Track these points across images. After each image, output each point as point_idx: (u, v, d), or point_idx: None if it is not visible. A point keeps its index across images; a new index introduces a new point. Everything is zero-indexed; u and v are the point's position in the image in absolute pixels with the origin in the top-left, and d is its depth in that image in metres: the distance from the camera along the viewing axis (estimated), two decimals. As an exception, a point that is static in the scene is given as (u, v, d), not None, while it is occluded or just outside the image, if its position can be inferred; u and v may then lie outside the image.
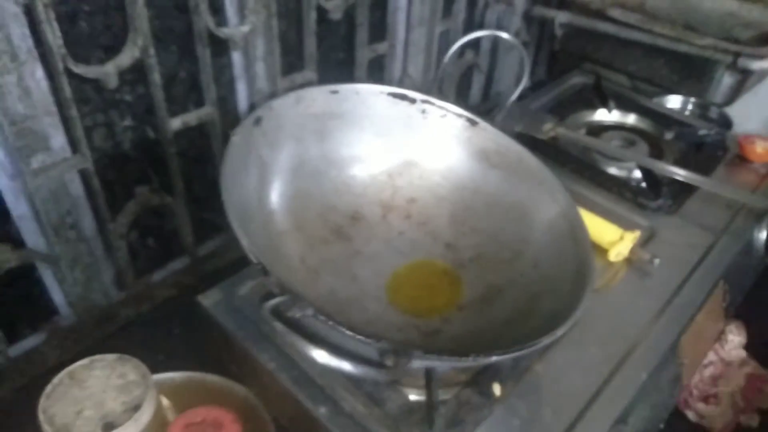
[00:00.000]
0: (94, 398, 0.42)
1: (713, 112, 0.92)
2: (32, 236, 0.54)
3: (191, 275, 0.70)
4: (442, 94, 0.82)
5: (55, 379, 0.43)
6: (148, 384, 0.44)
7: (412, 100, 0.58)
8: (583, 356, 0.52)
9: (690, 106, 0.93)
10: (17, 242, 0.53)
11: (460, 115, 0.58)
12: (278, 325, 0.31)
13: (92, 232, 0.60)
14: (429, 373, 0.45)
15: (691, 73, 0.84)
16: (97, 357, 0.45)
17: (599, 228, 0.61)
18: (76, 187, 0.56)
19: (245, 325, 0.51)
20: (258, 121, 0.49)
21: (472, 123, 0.58)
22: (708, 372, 0.61)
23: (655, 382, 0.52)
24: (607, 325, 0.54)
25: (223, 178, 0.42)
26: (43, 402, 0.42)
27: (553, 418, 0.47)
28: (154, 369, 0.46)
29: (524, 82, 0.67)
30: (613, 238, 0.60)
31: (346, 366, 0.33)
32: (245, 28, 0.60)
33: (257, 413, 0.49)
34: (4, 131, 0.48)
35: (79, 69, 0.51)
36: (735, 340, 0.63)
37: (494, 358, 0.37)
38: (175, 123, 0.60)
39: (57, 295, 0.60)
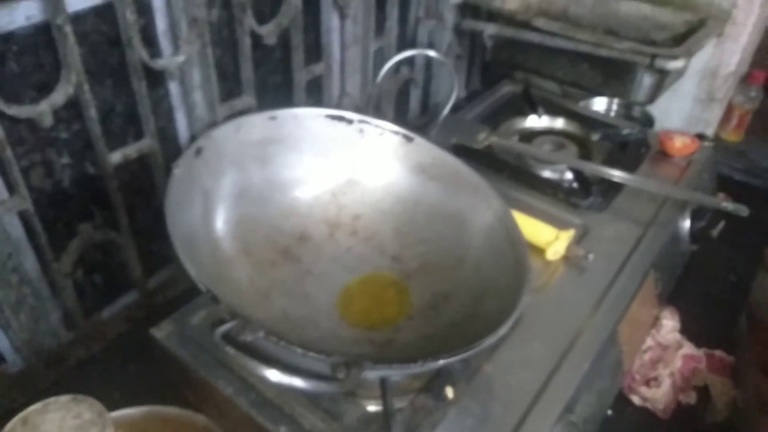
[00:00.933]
0: None
1: (636, 112, 0.98)
2: None
3: (142, 309, 0.69)
4: (379, 112, 0.84)
5: (8, 427, 0.42)
6: (104, 422, 0.43)
7: (350, 121, 0.60)
8: (528, 352, 0.54)
9: (615, 107, 0.99)
10: None
11: (396, 132, 0.61)
12: (230, 350, 0.32)
13: (36, 273, 0.59)
14: (383, 383, 0.47)
15: (614, 75, 0.89)
16: (51, 400, 0.44)
17: (535, 229, 0.64)
18: (16, 230, 0.56)
19: (199, 353, 0.52)
20: (199, 152, 0.50)
21: (408, 139, 0.61)
22: (647, 356, 0.65)
23: (597, 371, 0.56)
24: (548, 321, 0.57)
25: (167, 210, 0.43)
26: None
27: (504, 414, 0.49)
28: (112, 406, 0.45)
29: (454, 97, 0.70)
30: (549, 238, 0.64)
31: (299, 383, 0.34)
32: (180, 59, 0.61)
33: None
34: None
35: (12, 110, 0.51)
36: (669, 324, 0.68)
37: (441, 362, 0.39)
38: (115, 157, 0.60)
39: (2, 342, 0.59)
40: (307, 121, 0.59)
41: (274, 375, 0.32)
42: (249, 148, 0.56)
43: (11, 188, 0.53)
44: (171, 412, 0.52)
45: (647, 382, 0.64)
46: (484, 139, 0.77)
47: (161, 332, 0.54)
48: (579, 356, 0.54)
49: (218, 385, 0.50)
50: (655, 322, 0.68)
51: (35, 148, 0.56)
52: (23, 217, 0.55)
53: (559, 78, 0.97)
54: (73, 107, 0.56)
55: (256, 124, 0.56)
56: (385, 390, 0.47)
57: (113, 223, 0.63)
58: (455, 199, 0.59)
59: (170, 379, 0.56)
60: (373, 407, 0.48)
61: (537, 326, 0.57)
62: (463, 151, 0.79)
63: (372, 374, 0.37)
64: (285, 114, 0.57)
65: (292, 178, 0.59)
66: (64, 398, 0.45)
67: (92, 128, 0.57)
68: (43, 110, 0.54)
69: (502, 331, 0.42)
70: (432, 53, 0.57)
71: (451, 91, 0.64)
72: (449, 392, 0.50)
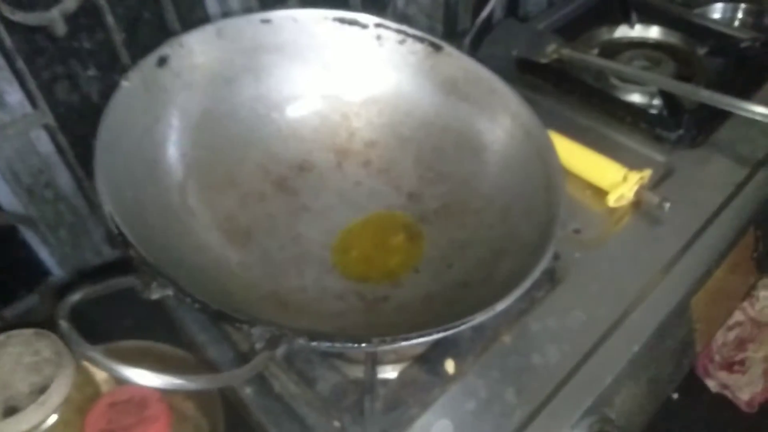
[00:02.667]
0: (1, 379, 0.39)
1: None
2: (6, 198, 0.52)
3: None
4: (455, 22, 0.72)
5: (-32, 357, 0.41)
6: (61, 362, 0.40)
7: (364, 25, 0.49)
8: (564, 323, 0.44)
9: (740, 14, 0.78)
10: None
11: (421, 39, 0.49)
12: (68, 331, 0.25)
13: (71, 190, 0.57)
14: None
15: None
16: (15, 332, 0.43)
17: (599, 168, 0.51)
18: (45, 145, 0.53)
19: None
20: (163, 61, 0.42)
21: (436, 48, 0.49)
22: (733, 334, 0.52)
23: (654, 354, 0.44)
24: (599, 284, 0.46)
25: (101, 133, 0.36)
26: None
27: (516, 400, 0.40)
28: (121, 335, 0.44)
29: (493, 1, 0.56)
30: (614, 179, 0.50)
31: (173, 381, 0.26)
32: None
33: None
34: None
35: (17, 16, 0.46)
36: (769, 296, 0.53)
37: (404, 344, 0.30)
38: None
39: (45, 256, 0.59)
40: (311, 25, 0.48)
41: (141, 377, 0.25)
42: (236, 57, 0.47)
43: (33, 101, 0.51)
44: (161, 349, 0.49)
45: (730, 366, 0.51)
46: (553, 51, 0.63)
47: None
48: (630, 334, 0.43)
49: (192, 330, 0.45)
50: (750, 292, 0.54)
51: (56, 59, 0.52)
52: (49, 131, 0.53)
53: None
54: (91, 14, 0.51)
55: (244, 29, 0.46)
56: (369, 356, 0.39)
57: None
58: (489, 127, 0.47)
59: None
60: (355, 374, 0.40)
61: (583, 291, 0.46)
62: (526, 66, 0.65)
63: (305, 347, 0.29)
64: (281, 16, 0.47)
65: (293, 94, 0.50)
66: (27, 332, 0.43)
67: (114, 38, 0.52)
68: (53, 17, 0.49)
69: (501, 306, 0.32)
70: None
71: None
72: (450, 366, 0.41)
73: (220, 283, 0.39)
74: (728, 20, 0.77)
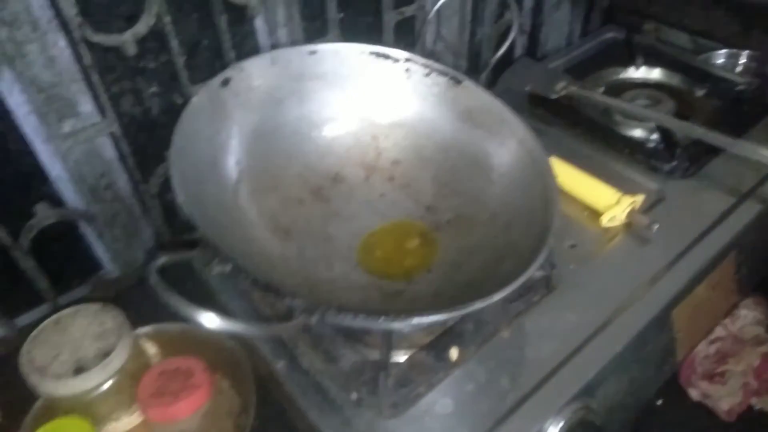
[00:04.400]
0: (72, 344, 0.45)
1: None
2: (70, 196, 0.58)
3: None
4: (479, 60, 0.78)
5: (42, 325, 0.47)
6: (122, 333, 0.46)
7: (395, 60, 0.57)
8: (557, 323, 0.49)
9: (743, 60, 0.84)
10: (57, 201, 0.57)
11: (444, 74, 0.56)
12: (161, 289, 0.32)
13: (128, 192, 0.63)
14: (386, 334, 0.46)
15: (753, 24, 0.76)
16: (82, 306, 0.48)
17: (595, 191, 0.57)
18: (109, 150, 0.59)
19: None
20: (226, 82, 0.50)
21: (456, 81, 0.56)
22: (714, 348, 0.57)
23: (636, 356, 0.49)
24: (590, 292, 0.52)
25: (176, 138, 0.43)
26: (26, 345, 0.45)
27: (510, 386, 0.46)
28: (165, 319, 0.49)
29: (512, 37, 0.63)
30: (608, 202, 0.56)
31: (239, 327, 0.33)
32: None
33: (240, 365, 0.51)
34: (33, 97, 0.51)
35: (97, 38, 0.53)
36: (749, 315, 0.58)
37: (416, 320, 0.36)
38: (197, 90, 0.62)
39: (100, 251, 0.64)
40: (350, 57, 0.56)
41: (209, 320, 0.31)
42: (286, 82, 0.54)
43: (102, 111, 0.57)
44: (203, 332, 0.55)
45: (711, 377, 0.56)
46: (562, 89, 0.70)
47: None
48: (614, 336, 0.48)
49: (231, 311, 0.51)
50: (731, 310, 0.59)
51: (124, 75, 0.59)
52: (113, 138, 0.58)
53: (689, 26, 0.83)
54: (157, 39, 0.57)
55: (294, 59, 0.54)
56: (385, 340, 0.45)
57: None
58: (498, 151, 0.54)
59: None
60: (372, 356, 0.47)
61: (575, 297, 0.52)
62: (537, 101, 0.72)
63: (333, 320, 0.35)
64: (326, 48, 0.55)
65: (331, 116, 0.57)
66: (94, 306, 0.48)
67: (176, 60, 0.59)
68: (126, 39, 0.56)
69: (497, 297, 0.38)
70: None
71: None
72: (454, 353, 0.47)
73: (263, 270, 0.46)
74: (731, 66, 0.83)
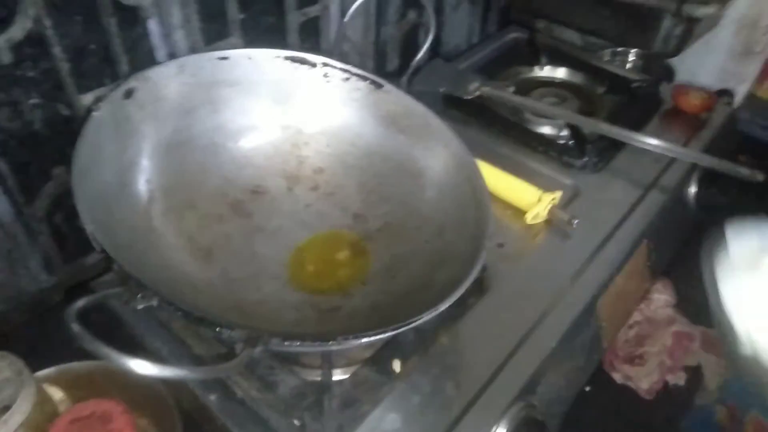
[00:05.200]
0: None
1: (659, 65, 0.89)
2: None
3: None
4: (384, 59, 0.77)
5: (-73, 382, 0.41)
6: (23, 382, 0.41)
7: (312, 64, 0.55)
8: (492, 326, 0.50)
9: (632, 58, 0.90)
10: None
11: (364, 78, 0.55)
12: (82, 334, 0.28)
13: (10, 217, 0.57)
14: (326, 354, 0.44)
15: (637, 23, 0.81)
16: None
17: (517, 190, 0.59)
18: None
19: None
20: (130, 93, 0.46)
21: (377, 86, 0.55)
22: (633, 332, 0.60)
23: (568, 349, 0.51)
24: (521, 291, 0.53)
25: (76, 159, 0.39)
26: None
27: (455, 393, 0.45)
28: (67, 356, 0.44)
29: (429, 40, 0.63)
30: (530, 200, 0.58)
31: (174, 372, 0.30)
32: None
33: (162, 402, 0.47)
34: None
35: None
36: (661, 298, 0.62)
37: (364, 340, 0.35)
38: (87, 99, 0.56)
39: None
40: (265, 63, 0.53)
41: (143, 367, 0.28)
42: (196, 90, 0.51)
43: None
44: (117, 370, 0.50)
45: (631, 360, 0.59)
46: (475, 89, 0.71)
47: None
48: (547, 332, 0.50)
49: (152, 345, 0.47)
50: (645, 295, 0.63)
51: None
52: None
53: (579, 26, 0.87)
54: (36, 44, 0.51)
55: (204, 65, 0.50)
56: (325, 360, 0.43)
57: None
58: (424, 155, 0.53)
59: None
60: (312, 377, 0.45)
61: (507, 297, 0.52)
62: (451, 102, 0.73)
63: (277, 348, 0.33)
64: (237, 54, 0.52)
65: (248, 125, 0.54)
66: None
67: (60, 67, 0.53)
68: None
69: (442, 307, 0.37)
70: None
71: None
72: (396, 366, 0.46)
73: (188, 299, 0.42)
74: (621, 63, 0.89)
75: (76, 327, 0.28)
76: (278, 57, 0.54)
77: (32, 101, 0.55)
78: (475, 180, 0.48)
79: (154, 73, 0.48)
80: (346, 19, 0.53)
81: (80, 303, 0.30)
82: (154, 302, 0.32)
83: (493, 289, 0.52)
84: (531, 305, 0.51)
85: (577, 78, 0.77)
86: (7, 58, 0.50)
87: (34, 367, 0.43)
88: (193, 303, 0.42)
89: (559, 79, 0.78)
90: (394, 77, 0.62)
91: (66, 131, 0.57)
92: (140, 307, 0.32)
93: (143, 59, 0.60)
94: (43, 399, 0.44)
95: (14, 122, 0.54)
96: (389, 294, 0.47)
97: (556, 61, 0.79)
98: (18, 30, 0.50)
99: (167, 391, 0.46)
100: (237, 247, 0.50)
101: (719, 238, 0.57)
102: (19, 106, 0.54)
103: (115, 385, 0.50)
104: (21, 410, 0.39)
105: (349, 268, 0.51)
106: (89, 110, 0.43)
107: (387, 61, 0.85)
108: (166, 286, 0.41)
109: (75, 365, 0.49)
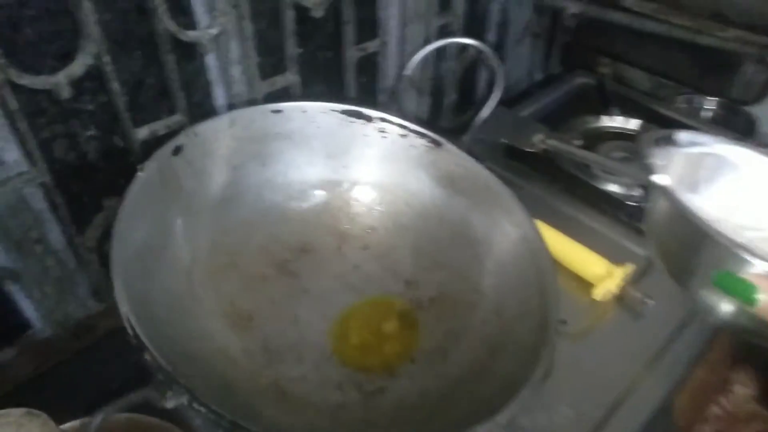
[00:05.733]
0: None
1: (739, 114, 0.82)
2: None
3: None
4: (442, 95, 0.74)
5: (-48, 442, 0.39)
6: None
7: (368, 118, 0.52)
8: (552, 420, 0.45)
9: (708, 105, 0.84)
10: None
11: (422, 135, 0.51)
12: None
13: (62, 245, 0.57)
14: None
15: (714, 67, 0.75)
16: (2, 412, 0.41)
17: (585, 260, 0.54)
18: (38, 201, 0.53)
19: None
20: (178, 151, 0.44)
21: (436, 144, 0.51)
22: (708, 429, 0.54)
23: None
24: (585, 378, 0.47)
25: (119, 221, 0.37)
26: None
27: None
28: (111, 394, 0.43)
29: (498, 94, 0.59)
30: (599, 272, 0.53)
31: None
32: (213, 31, 0.55)
33: None
34: None
35: (24, 80, 0.47)
36: (742, 392, 0.55)
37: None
38: (142, 133, 0.56)
39: (28, 309, 0.57)
40: (319, 116, 0.51)
41: None
42: (246, 144, 0.48)
43: (30, 159, 0.50)
44: (150, 422, 0.48)
45: (707, 458, 0.53)
46: (539, 141, 0.66)
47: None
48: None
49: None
50: (725, 386, 0.56)
51: (57, 119, 0.53)
52: (44, 188, 0.52)
53: (649, 67, 0.83)
54: (95, 78, 0.51)
55: (256, 119, 0.48)
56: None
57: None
58: (484, 222, 0.49)
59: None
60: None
61: (570, 384, 0.47)
62: (513, 153, 0.68)
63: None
64: (291, 107, 0.50)
65: (298, 180, 0.52)
66: (16, 412, 0.41)
67: (116, 101, 0.53)
68: (59, 81, 0.50)
69: (501, 419, 0.33)
70: (472, 41, 0.46)
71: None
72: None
73: (223, 374, 0.39)
74: (695, 110, 0.83)
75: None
76: (334, 110, 0.51)
77: (88, 133, 0.55)
78: (542, 260, 0.44)
79: (204, 128, 0.46)
80: (407, 72, 0.50)
81: (97, 420, 0.27)
82: (185, 400, 0.29)
83: (555, 375, 0.47)
84: (597, 397, 0.46)
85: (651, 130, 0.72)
86: (66, 93, 0.50)
87: (64, 404, 0.41)
88: (227, 382, 0.39)
89: (631, 130, 0.72)
90: (452, 117, 0.58)
91: (119, 163, 0.57)
92: (170, 406, 0.29)
93: (199, 93, 0.59)
94: (71, 464, 0.42)
95: (70, 154, 0.54)
96: (440, 378, 0.43)
97: (628, 110, 0.74)
98: (78, 66, 0.50)
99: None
100: (280, 311, 0.47)
101: None
102: (75, 138, 0.54)
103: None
104: (47, 480, 0.37)
105: (396, 342, 0.47)
106: (135, 170, 0.41)
107: (444, 96, 0.83)
108: (200, 361, 0.38)
109: (115, 418, 0.47)
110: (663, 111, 0.75)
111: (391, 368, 0.45)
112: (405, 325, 0.48)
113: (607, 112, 0.74)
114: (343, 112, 0.51)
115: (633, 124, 0.73)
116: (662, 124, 0.72)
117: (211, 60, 0.58)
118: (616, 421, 0.45)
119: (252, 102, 0.60)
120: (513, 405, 0.34)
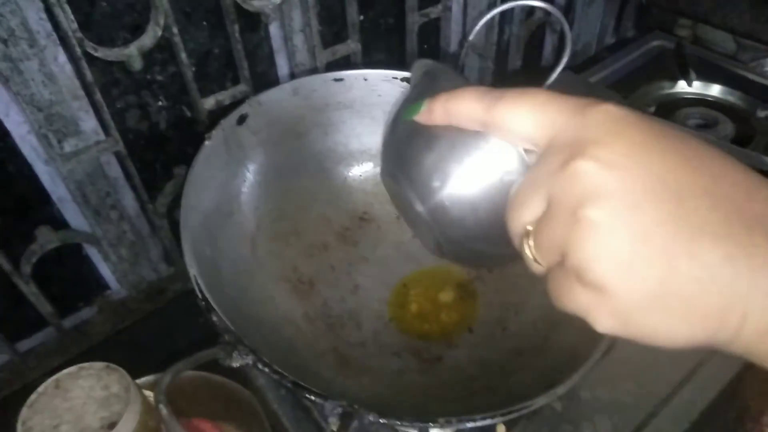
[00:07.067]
0: (74, 411, 0.41)
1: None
2: (75, 217, 0.55)
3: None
4: (506, 60, 0.72)
5: (41, 388, 0.42)
6: (129, 398, 0.42)
7: (430, 85, 0.51)
8: (614, 395, 0.44)
9: (802, 71, 0.77)
10: (61, 223, 0.54)
11: (485, 102, 0.50)
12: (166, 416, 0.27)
13: (135, 211, 0.60)
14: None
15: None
16: (86, 365, 0.44)
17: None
18: (114, 169, 0.56)
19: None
20: (243, 119, 0.45)
21: (499, 110, 0.50)
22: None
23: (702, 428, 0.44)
24: (649, 356, 0.46)
25: (187, 189, 0.38)
26: (24, 412, 0.40)
27: (566, 471, 0.40)
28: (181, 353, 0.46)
29: (564, 60, 0.56)
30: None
31: None
32: (277, 0, 0.55)
33: (256, 418, 0.47)
34: (32, 117, 0.47)
35: (99, 52, 0.49)
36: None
37: (469, 425, 0.31)
38: (209, 102, 0.57)
39: (105, 272, 0.61)
40: (380, 84, 0.50)
41: None
42: (309, 113, 0.49)
43: (106, 129, 0.53)
44: (216, 380, 0.50)
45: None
46: (609, 108, 0.63)
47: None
48: (679, 411, 0.43)
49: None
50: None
51: (130, 90, 0.55)
52: (118, 157, 0.55)
53: (734, 28, 0.77)
54: (165, 50, 0.53)
55: (318, 87, 0.48)
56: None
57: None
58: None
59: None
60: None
61: (633, 362, 0.45)
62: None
63: (372, 426, 0.30)
64: (353, 75, 0.49)
65: (359, 148, 0.52)
66: (97, 365, 0.43)
67: (184, 72, 0.54)
68: (131, 53, 0.52)
69: (561, 390, 0.33)
70: (540, 4, 0.44)
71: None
72: (501, 430, 0.41)
73: (286, 338, 0.41)
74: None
75: (164, 411, 0.26)
76: (395, 78, 0.50)
77: (159, 103, 0.57)
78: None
79: (268, 97, 0.46)
80: (470, 37, 0.48)
81: (167, 378, 0.29)
82: (250, 360, 0.30)
83: (617, 350, 0.46)
84: (662, 375, 0.45)
85: (733, 97, 0.67)
86: (138, 64, 0.52)
87: (139, 360, 0.44)
88: (291, 346, 0.40)
89: (711, 97, 0.68)
90: (516, 83, 0.56)
91: (188, 132, 0.59)
92: (236, 365, 0.30)
93: (263, 63, 0.60)
94: (149, 415, 0.45)
95: (142, 123, 0.57)
96: (498, 350, 0.43)
97: (707, 75, 0.69)
98: (149, 38, 0.51)
99: (261, 409, 0.46)
100: (340, 278, 0.48)
101: None
102: (146, 108, 0.57)
103: (213, 396, 0.50)
104: (127, 426, 0.39)
105: (454, 311, 0.47)
106: (203, 139, 0.42)
107: (508, 62, 0.80)
108: (265, 326, 0.39)
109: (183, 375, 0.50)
110: (748, 75, 0.69)
111: (449, 337, 0.45)
112: (464, 295, 0.48)
113: (685, 78, 0.70)
114: (404, 79, 0.50)
115: (713, 90, 0.68)
116: (746, 91, 0.67)
117: (274, 29, 0.59)
118: (679, 399, 0.43)
119: (314, 71, 0.60)
120: (574, 377, 0.33)
